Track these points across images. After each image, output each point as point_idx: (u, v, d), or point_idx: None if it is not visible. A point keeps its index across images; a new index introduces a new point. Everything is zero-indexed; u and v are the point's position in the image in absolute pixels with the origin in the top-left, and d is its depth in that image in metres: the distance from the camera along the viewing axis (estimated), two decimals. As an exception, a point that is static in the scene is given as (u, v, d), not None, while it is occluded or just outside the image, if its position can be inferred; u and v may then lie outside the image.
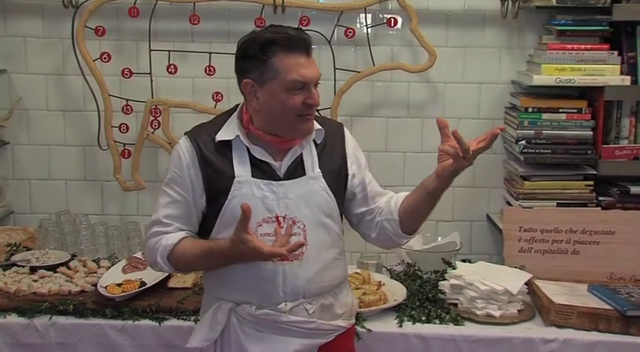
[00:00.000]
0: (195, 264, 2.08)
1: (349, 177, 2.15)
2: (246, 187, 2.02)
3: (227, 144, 2.05)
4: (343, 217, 2.21)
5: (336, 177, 2.12)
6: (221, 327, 2.06)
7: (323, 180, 2.08)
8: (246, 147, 2.04)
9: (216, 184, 2.03)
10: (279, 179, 2.05)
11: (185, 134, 2.11)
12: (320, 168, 2.09)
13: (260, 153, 2.04)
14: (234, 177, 2.02)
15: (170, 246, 2.02)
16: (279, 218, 2.02)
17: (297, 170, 2.07)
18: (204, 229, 2.09)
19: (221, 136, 2.05)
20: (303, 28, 3.00)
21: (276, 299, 2.03)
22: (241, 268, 2.02)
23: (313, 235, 2.05)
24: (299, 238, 2.02)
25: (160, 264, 2.06)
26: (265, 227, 2.01)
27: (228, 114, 2.12)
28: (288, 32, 1.96)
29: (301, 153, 2.08)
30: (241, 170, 2.03)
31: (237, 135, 2.04)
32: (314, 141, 2.11)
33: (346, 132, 2.21)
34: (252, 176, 2.03)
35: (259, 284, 2.03)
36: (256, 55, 1.96)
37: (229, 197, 2.01)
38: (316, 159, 2.10)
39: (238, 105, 2.13)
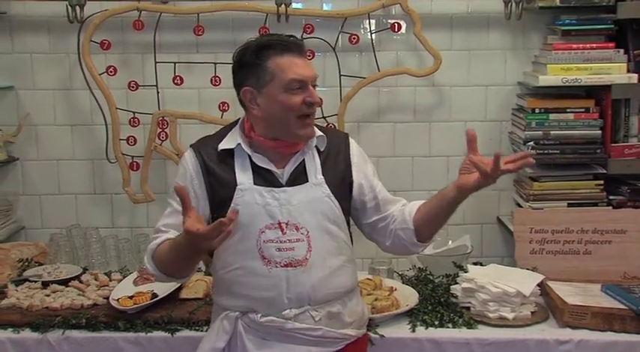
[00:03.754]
0: (169, 259, 2.00)
1: (354, 185, 2.15)
2: (248, 195, 2.03)
3: (229, 153, 2.07)
4: (351, 225, 2.20)
5: (340, 184, 2.12)
6: (228, 336, 2.07)
7: (326, 186, 2.08)
8: (247, 155, 2.06)
9: (220, 193, 2.05)
10: (282, 186, 2.06)
11: (190, 146, 2.14)
12: (323, 175, 2.09)
13: (262, 161, 2.06)
14: (236, 185, 2.04)
15: (154, 246, 2.03)
16: (282, 224, 2.03)
17: (299, 177, 2.08)
18: None
19: (223, 145, 2.07)
20: (308, 35, 3.03)
21: (280, 306, 2.04)
22: (245, 276, 2.03)
23: (317, 242, 2.05)
24: (303, 244, 2.03)
25: (147, 268, 2.06)
26: (268, 233, 2.02)
27: (231, 125, 2.15)
28: (280, 36, 2.01)
29: (303, 160, 2.09)
30: (243, 178, 2.05)
31: (239, 144, 2.06)
32: (317, 148, 2.12)
33: (352, 141, 2.21)
34: (255, 183, 2.04)
35: (264, 292, 2.04)
36: (251, 61, 1.99)
37: (232, 205, 2.02)
38: (319, 166, 2.10)
39: (241, 118, 2.15)
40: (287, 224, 2.03)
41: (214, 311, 2.19)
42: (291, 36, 2.05)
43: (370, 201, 2.18)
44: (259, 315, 2.04)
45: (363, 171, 2.18)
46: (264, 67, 1.97)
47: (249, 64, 1.99)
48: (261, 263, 2.02)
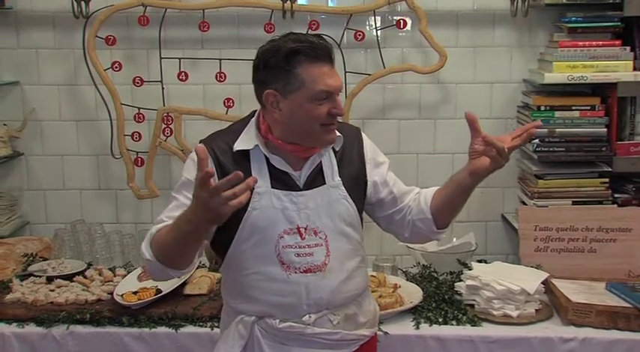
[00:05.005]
0: (168, 240, 1.84)
1: (368, 184, 2.11)
2: (265, 198, 1.98)
3: (245, 154, 2.01)
4: (364, 224, 2.15)
5: (356, 184, 2.08)
6: (244, 341, 2.02)
7: (343, 188, 2.04)
8: (264, 156, 2.00)
9: None
10: (299, 189, 2.01)
11: (201, 141, 2.04)
12: (340, 176, 2.05)
13: (279, 163, 2.00)
14: (253, 188, 1.94)
15: (153, 231, 1.91)
16: (301, 229, 1.99)
17: (316, 179, 2.03)
18: (223, 242, 2.02)
19: (239, 146, 2.00)
20: (313, 31, 3.02)
21: (299, 311, 1.99)
22: (263, 281, 1.99)
23: (335, 245, 2.02)
24: (322, 249, 2.00)
25: (144, 255, 1.90)
26: (287, 238, 1.98)
27: (244, 122, 2.07)
28: (311, 41, 1.92)
29: (320, 162, 2.04)
30: (260, 181, 1.97)
31: (256, 145, 2.00)
32: (332, 148, 2.07)
33: (364, 136, 2.17)
34: (272, 187, 1.99)
35: (282, 298, 1.99)
36: (280, 65, 1.90)
37: (249, 209, 1.96)
38: (336, 167, 2.06)
39: (254, 111, 2.08)
40: (306, 228, 1.99)
41: (226, 313, 2.13)
42: (320, 37, 1.96)
43: (387, 196, 2.13)
44: (277, 321, 2.00)
45: (376, 167, 2.14)
46: (293, 74, 1.90)
47: (277, 68, 1.91)
48: (279, 268, 1.97)
